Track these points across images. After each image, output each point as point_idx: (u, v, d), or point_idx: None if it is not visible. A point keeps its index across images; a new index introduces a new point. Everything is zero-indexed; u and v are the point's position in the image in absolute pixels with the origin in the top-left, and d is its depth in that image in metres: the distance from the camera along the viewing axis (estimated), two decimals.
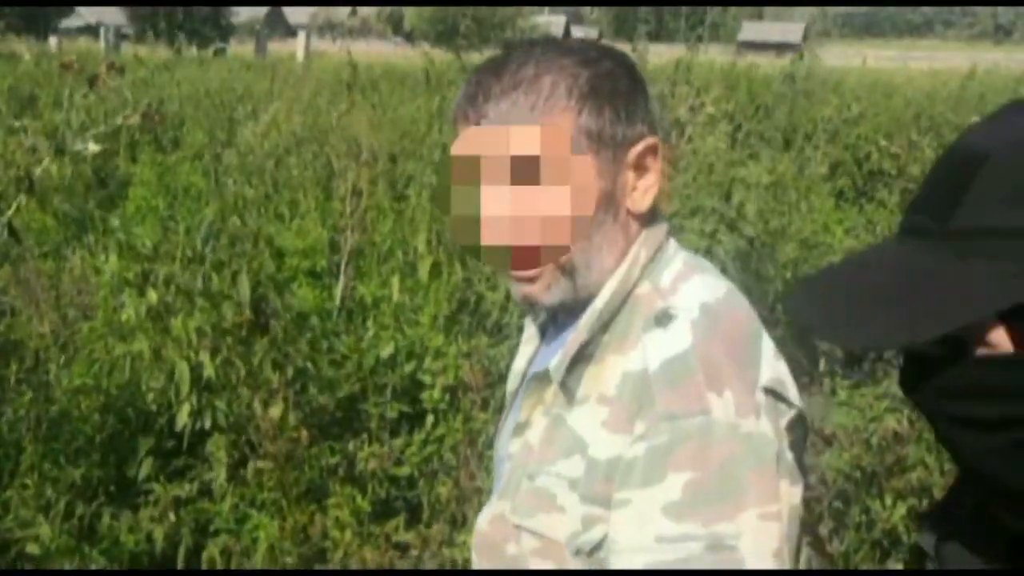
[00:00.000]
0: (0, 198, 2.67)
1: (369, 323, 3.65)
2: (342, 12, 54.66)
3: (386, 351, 2.98)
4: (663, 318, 1.03)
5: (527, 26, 44.54)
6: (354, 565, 2.08)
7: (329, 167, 6.19)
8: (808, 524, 2.49)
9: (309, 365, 2.76)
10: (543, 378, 1.09)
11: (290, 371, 2.63)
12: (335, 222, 5.17)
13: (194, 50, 29.26)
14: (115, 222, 4.01)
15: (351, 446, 2.58)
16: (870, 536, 2.54)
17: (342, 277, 4.47)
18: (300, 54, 27.73)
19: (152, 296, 2.64)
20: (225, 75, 12.60)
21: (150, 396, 2.96)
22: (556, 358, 1.07)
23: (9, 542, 2.37)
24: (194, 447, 2.82)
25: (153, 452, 2.85)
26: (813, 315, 0.79)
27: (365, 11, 54.20)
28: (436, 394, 2.96)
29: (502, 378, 2.93)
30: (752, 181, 2.77)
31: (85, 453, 2.97)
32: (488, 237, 1.04)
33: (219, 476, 2.51)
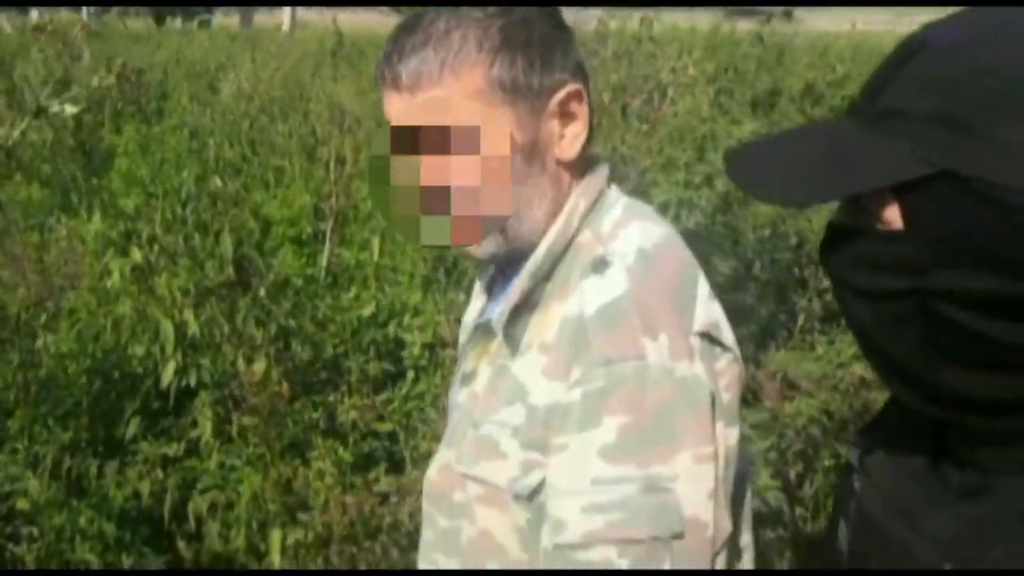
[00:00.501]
0: None
1: (353, 286, 3.69)
2: None
3: (367, 310, 3.03)
4: (599, 264, 1.04)
5: None
6: (335, 512, 2.14)
7: (314, 134, 6.20)
8: (779, 469, 2.56)
9: (292, 323, 2.80)
10: (487, 329, 1.11)
11: (273, 328, 2.67)
12: (319, 188, 5.20)
13: (179, 22, 29.01)
14: (96, 182, 4.01)
15: (332, 399, 2.63)
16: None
17: (327, 243, 4.50)
18: (286, 24, 27.53)
19: (136, 255, 2.67)
20: (208, 45, 12.51)
21: (135, 359, 3.01)
22: (499, 308, 1.10)
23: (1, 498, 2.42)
24: (180, 408, 2.87)
25: (140, 413, 2.90)
26: (744, 173, 0.84)
27: None
28: (416, 351, 3.01)
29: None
30: (724, 140, 2.81)
31: (74, 416, 3.02)
32: (399, 208, 1.04)
33: (205, 432, 2.56)
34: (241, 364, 2.60)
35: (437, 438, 2.74)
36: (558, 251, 1.08)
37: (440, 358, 2.94)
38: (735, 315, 3.08)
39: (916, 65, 0.78)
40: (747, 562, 1.17)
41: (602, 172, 1.13)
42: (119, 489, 2.45)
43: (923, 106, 0.75)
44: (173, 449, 2.77)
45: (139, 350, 2.97)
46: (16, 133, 2.29)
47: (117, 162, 6.08)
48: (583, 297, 1.03)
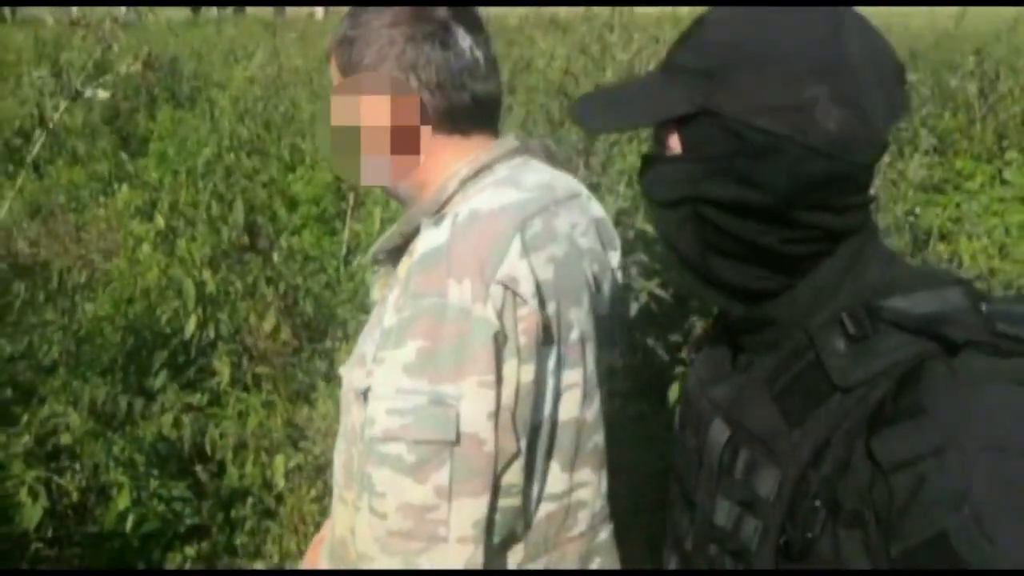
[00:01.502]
0: (24, 136, 3.00)
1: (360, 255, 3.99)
2: None
3: (369, 274, 3.34)
4: (438, 219, 1.26)
5: None
6: (330, 441, 2.44)
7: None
8: None
9: (301, 282, 3.11)
10: (375, 261, 1.42)
11: (282, 287, 2.98)
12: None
13: (214, 10, 29.46)
14: (124, 156, 4.36)
15: (330, 345, 2.94)
16: None
17: (348, 221, 4.81)
18: (319, 11, 27.84)
19: (160, 221, 3.00)
20: (239, 35, 12.89)
21: (164, 317, 3.34)
22: (373, 249, 1.41)
23: (44, 437, 2.76)
24: (202, 363, 3.20)
25: (167, 365, 3.23)
26: (581, 112, 1.11)
27: None
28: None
29: None
30: None
31: (109, 371, 3.36)
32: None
33: (223, 379, 2.88)
34: (253, 319, 2.91)
35: None
36: (430, 207, 1.33)
37: None
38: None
39: (696, 33, 1.06)
40: (584, 497, 1.38)
41: (496, 146, 1.37)
42: (148, 427, 2.78)
43: (695, 63, 1.03)
44: (196, 399, 3.10)
45: (166, 311, 3.31)
46: (57, 115, 2.61)
47: (152, 146, 6.46)
48: (419, 244, 1.25)
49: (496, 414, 1.18)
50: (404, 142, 1.35)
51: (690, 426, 1.20)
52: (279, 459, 2.50)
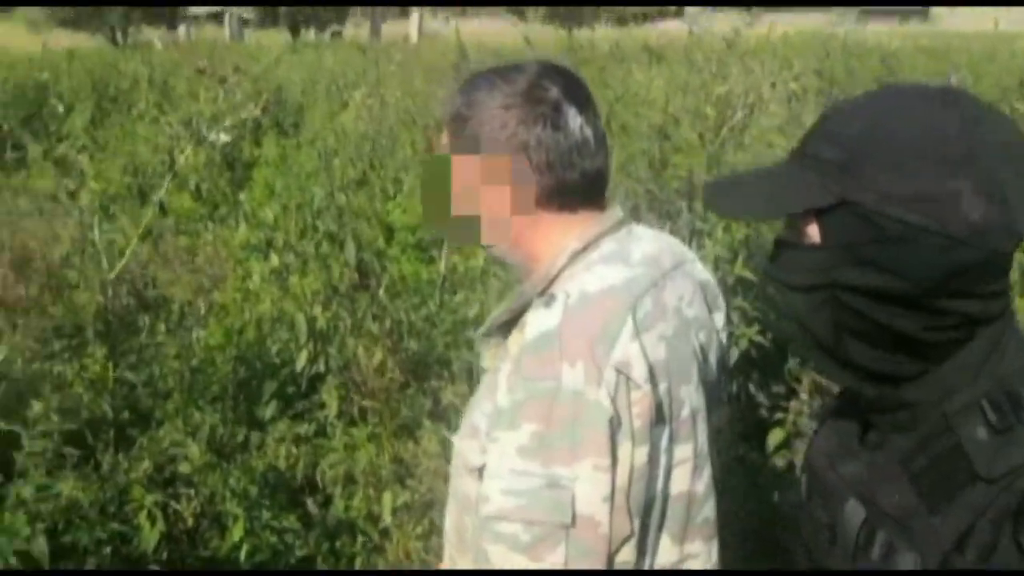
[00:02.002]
0: (151, 180, 3.18)
1: (462, 288, 4.08)
2: None
3: (472, 311, 3.40)
4: (549, 300, 1.29)
5: None
6: (439, 483, 2.51)
7: (431, 147, 6.66)
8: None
9: (405, 317, 3.20)
10: (490, 333, 1.45)
11: (388, 323, 3.07)
12: None
13: (312, 34, 30.39)
14: (242, 196, 4.55)
15: (437, 385, 3.01)
16: None
17: (445, 248, 4.90)
18: (414, 35, 28.47)
19: (275, 259, 3.13)
20: (339, 61, 13.24)
21: (274, 348, 3.47)
22: (486, 324, 1.45)
23: (163, 464, 2.90)
24: (311, 395, 3.31)
25: (277, 396, 3.36)
26: (715, 200, 1.15)
27: None
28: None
29: None
30: None
31: (220, 399, 3.50)
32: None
33: (331, 411, 2.98)
34: (361, 354, 3.01)
35: None
36: (540, 286, 1.36)
37: None
38: None
39: (828, 125, 1.09)
40: (695, 567, 1.39)
41: (602, 220, 1.40)
42: (260, 458, 2.89)
43: (830, 154, 1.06)
44: (304, 429, 3.21)
45: (276, 342, 3.44)
46: (182, 158, 2.77)
47: (256, 172, 6.70)
48: (531, 324, 1.28)
49: (611, 497, 1.21)
50: (507, 221, 1.40)
51: (817, 498, 1.22)
52: (387, 496, 2.58)
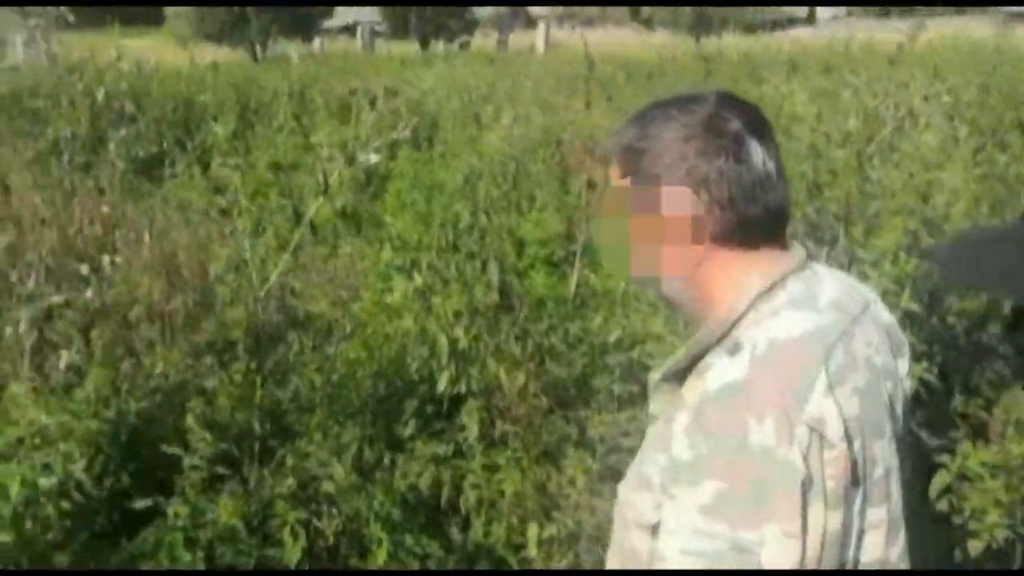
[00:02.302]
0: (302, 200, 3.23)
1: (600, 309, 4.00)
2: None
3: (614, 335, 3.32)
4: (734, 348, 1.22)
5: (769, 8, 42.91)
6: (586, 515, 2.44)
7: (565, 163, 6.61)
8: (1009, 510, 2.58)
9: (546, 341, 3.14)
10: (666, 379, 1.34)
11: (530, 346, 3.02)
12: (570, 215, 5.58)
13: (441, 45, 30.94)
14: (388, 218, 4.60)
15: (583, 414, 2.94)
16: None
17: (577, 265, 4.84)
18: (540, 45, 28.62)
19: (418, 280, 3.12)
20: (469, 72, 13.38)
21: (414, 366, 3.47)
22: (663, 368, 1.34)
23: (307, 481, 2.93)
24: (450, 413, 3.30)
25: (416, 414, 3.35)
26: (970, 274, 1.04)
27: None
28: (656, 375, 3.26)
29: None
30: (950, 185, 2.84)
31: (360, 414, 3.52)
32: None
33: (471, 434, 2.95)
34: (503, 377, 2.97)
35: None
36: (719, 331, 1.26)
37: None
38: (977, 352, 3.07)
39: None
40: None
41: (786, 259, 1.31)
42: (403, 479, 2.88)
43: None
44: (443, 449, 3.19)
45: (416, 359, 3.44)
46: (333, 177, 2.80)
47: (391, 185, 6.79)
48: (715, 374, 1.21)
49: (801, 564, 1.13)
50: (686, 254, 1.32)
51: None
52: (533, 528, 2.52)
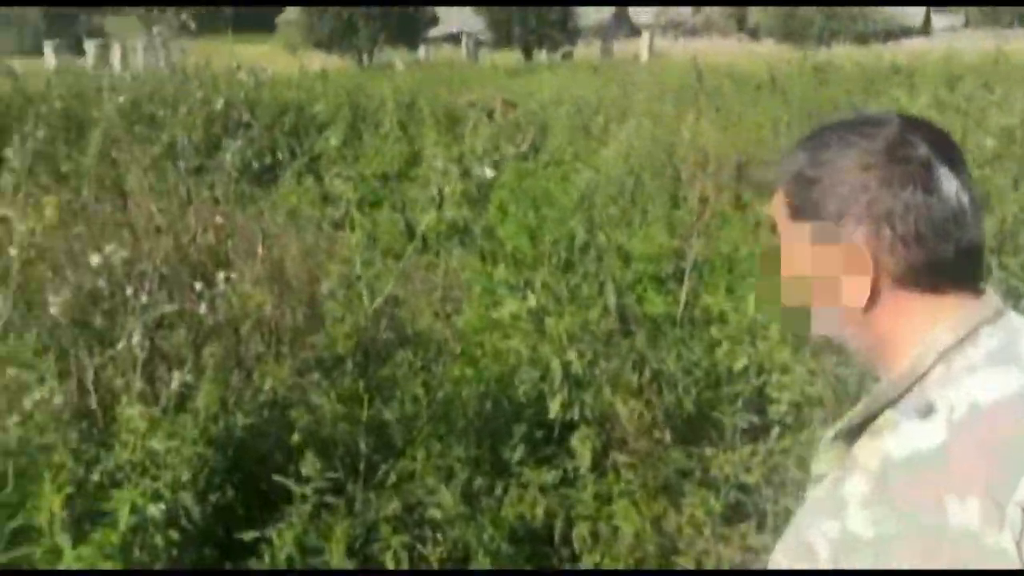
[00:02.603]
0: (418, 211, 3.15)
1: (714, 331, 3.81)
2: (685, 10, 54.77)
3: (739, 364, 3.14)
4: (926, 410, 1.06)
5: (881, 18, 41.65)
6: (710, 563, 2.28)
7: (676, 176, 6.43)
8: None
9: (665, 368, 2.98)
10: (836, 438, 1.18)
11: (647, 373, 2.87)
12: (681, 230, 5.39)
13: (544, 54, 30.97)
14: (500, 231, 4.51)
15: (707, 451, 2.77)
16: None
17: (686, 283, 4.66)
18: (644, 55, 28.38)
19: (532, 300, 3.00)
20: (576, 82, 13.28)
21: (522, 388, 3.35)
22: (839, 425, 1.17)
23: (413, 505, 2.84)
24: (560, 438, 3.16)
25: (524, 439, 3.23)
26: None
27: (708, 8, 53.91)
28: (782, 408, 3.07)
29: (852, 399, 2.99)
30: None
31: (465, 434, 3.42)
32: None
33: (583, 464, 2.81)
34: (619, 405, 2.82)
35: (799, 498, 2.79)
36: (903, 386, 1.10)
37: (807, 417, 2.98)
38: None
39: None
40: None
41: (979, 307, 1.13)
42: (512, 507, 2.76)
43: None
44: (551, 476, 3.06)
45: (525, 382, 3.31)
46: (447, 189, 2.72)
47: (493, 194, 6.71)
48: (901, 438, 1.06)
49: None
50: (861, 299, 1.15)
51: None
52: None
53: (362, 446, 3.02)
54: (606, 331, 2.98)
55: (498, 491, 3.02)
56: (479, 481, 2.96)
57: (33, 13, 31.12)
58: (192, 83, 8.16)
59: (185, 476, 2.25)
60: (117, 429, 2.31)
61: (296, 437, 2.84)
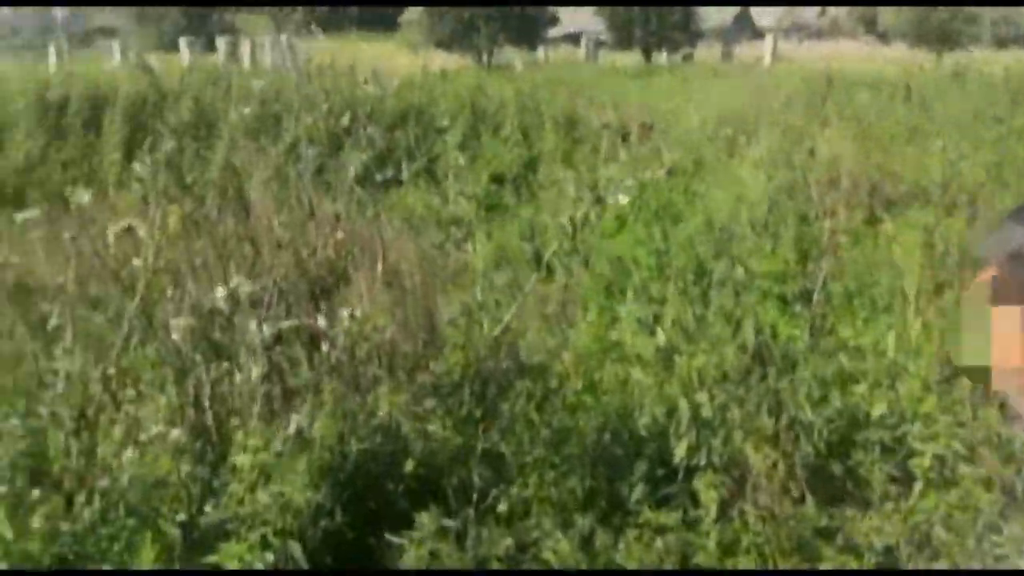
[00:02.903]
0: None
1: (846, 362, 3.55)
2: (810, 12, 53.20)
3: (877, 410, 2.91)
4: None
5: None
6: None
7: (807, 193, 6.13)
8: None
9: (802, 415, 2.78)
10: None
11: (784, 420, 2.67)
12: (809, 247, 5.13)
13: (664, 56, 30.50)
14: (623, 250, 4.34)
15: (847, 511, 2.56)
16: None
17: (815, 301, 4.41)
18: (767, 58, 27.58)
19: (662, 337, 2.84)
20: (696, 89, 12.97)
21: (642, 421, 3.19)
22: None
23: (527, 544, 2.71)
24: (683, 478, 2.98)
25: (644, 478, 3.06)
26: None
27: (835, 10, 52.23)
28: (926, 462, 2.82)
29: (1010, 458, 2.73)
30: None
31: (581, 464, 3.27)
32: None
33: (709, 513, 2.64)
34: (751, 452, 2.63)
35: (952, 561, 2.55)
36: None
37: (955, 475, 2.72)
38: None
39: None
40: None
41: None
42: (629, 557, 2.61)
43: None
44: (672, 519, 2.88)
45: (646, 416, 3.15)
46: (579, 214, 2.60)
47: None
48: None
49: None
50: None
51: None
52: None
53: (475, 478, 2.92)
54: (740, 370, 2.79)
55: (615, 530, 2.87)
56: (592, 517, 2.82)
57: (174, 11, 32.44)
58: (319, 95, 8.24)
59: (294, 526, 2.18)
60: (231, 463, 2.26)
61: (410, 464, 2.76)
